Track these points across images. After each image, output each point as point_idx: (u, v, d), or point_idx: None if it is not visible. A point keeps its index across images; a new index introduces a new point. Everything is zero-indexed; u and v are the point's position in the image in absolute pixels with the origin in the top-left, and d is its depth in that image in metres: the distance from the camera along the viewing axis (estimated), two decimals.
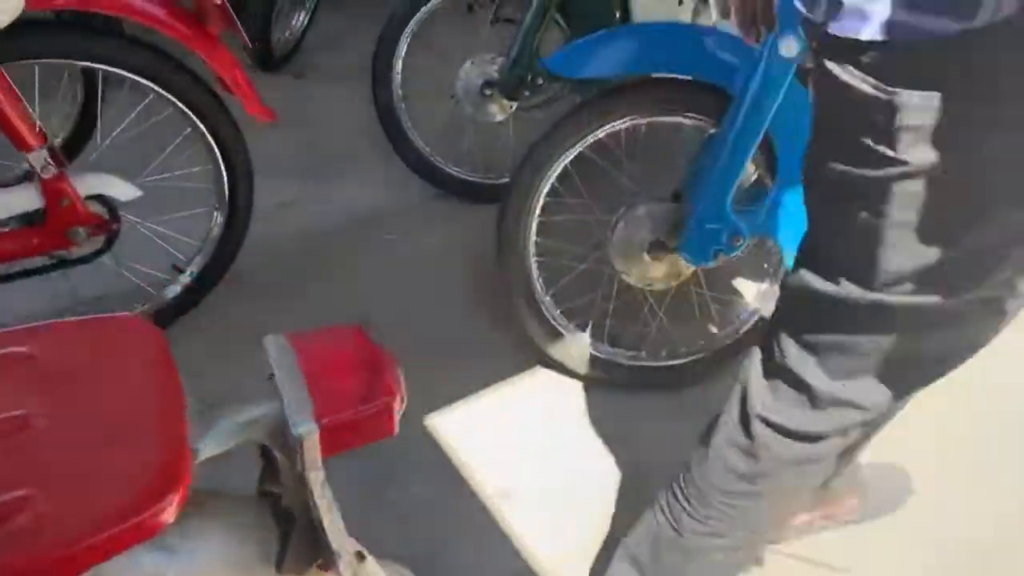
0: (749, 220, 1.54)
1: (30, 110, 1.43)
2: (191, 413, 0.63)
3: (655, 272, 1.64)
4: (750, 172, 1.57)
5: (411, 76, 2.18)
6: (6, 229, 1.46)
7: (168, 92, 1.54)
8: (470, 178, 2.26)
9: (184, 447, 0.60)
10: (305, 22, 2.93)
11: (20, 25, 1.30)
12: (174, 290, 1.76)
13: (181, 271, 1.77)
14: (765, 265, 1.69)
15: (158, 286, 1.76)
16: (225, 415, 0.65)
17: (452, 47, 2.20)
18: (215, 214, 1.75)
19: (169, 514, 0.56)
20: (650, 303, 1.72)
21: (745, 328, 1.69)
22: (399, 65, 2.15)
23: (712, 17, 1.76)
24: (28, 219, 1.47)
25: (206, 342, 1.73)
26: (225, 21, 1.50)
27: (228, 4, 1.47)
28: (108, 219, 1.56)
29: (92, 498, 0.56)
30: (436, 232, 2.16)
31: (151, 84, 1.53)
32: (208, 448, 0.63)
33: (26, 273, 1.54)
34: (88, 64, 1.45)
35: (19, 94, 1.41)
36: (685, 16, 1.87)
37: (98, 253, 1.59)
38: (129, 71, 1.50)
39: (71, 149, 1.76)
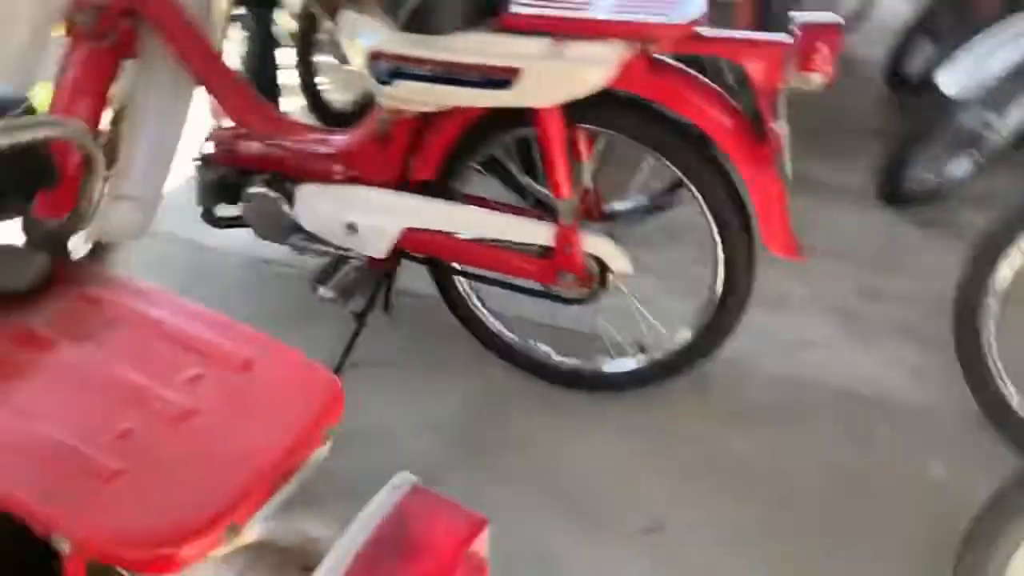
0: None
1: (581, 167, 1.62)
2: (284, 491, 0.65)
3: None
4: None
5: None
6: (523, 250, 1.70)
7: (703, 198, 1.56)
8: None
9: (234, 512, 0.63)
10: (968, 173, 2.51)
11: (600, 96, 1.47)
12: (624, 364, 1.81)
13: (643, 351, 1.80)
14: None
15: (615, 351, 1.82)
16: (281, 517, 0.65)
17: None
18: (694, 322, 1.71)
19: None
20: None
21: None
22: (999, 283, 1.65)
23: None
24: (539, 250, 1.68)
25: (601, 431, 1.75)
26: (779, 148, 1.42)
27: (783, 134, 1.38)
28: (596, 279, 1.67)
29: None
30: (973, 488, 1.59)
31: (691, 185, 1.56)
32: (252, 531, 0.64)
33: (523, 289, 1.78)
34: (642, 147, 1.55)
35: (576, 151, 1.61)
36: None
37: (577, 301, 1.72)
38: (677, 166, 1.55)
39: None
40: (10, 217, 0.90)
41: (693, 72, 1.50)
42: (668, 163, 1.56)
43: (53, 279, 0.85)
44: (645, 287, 1.80)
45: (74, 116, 1.71)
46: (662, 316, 1.79)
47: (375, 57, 1.50)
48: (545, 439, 1.73)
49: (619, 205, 1.93)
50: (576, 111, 1.52)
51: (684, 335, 1.74)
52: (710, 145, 1.54)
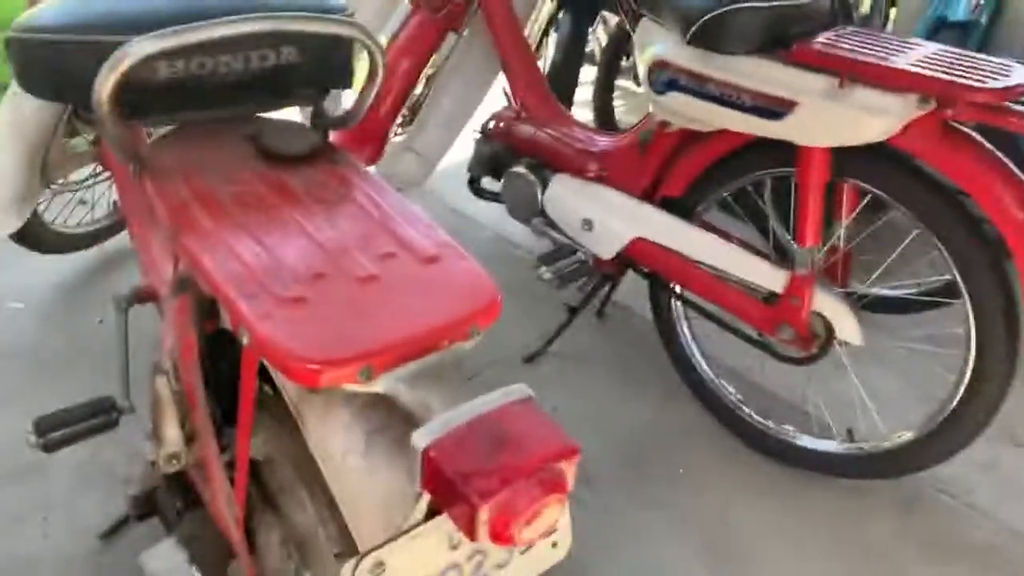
0: None
1: (837, 223, 1.52)
2: (420, 363, 0.73)
3: None
4: None
5: None
6: (748, 291, 1.63)
7: (971, 299, 1.39)
8: None
9: (373, 358, 0.71)
10: None
11: (880, 153, 1.38)
12: (824, 445, 1.65)
13: (851, 439, 1.63)
14: None
15: (821, 430, 1.68)
16: (412, 385, 0.72)
17: None
18: (919, 426, 1.52)
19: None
20: None
21: None
22: None
23: None
24: (765, 295, 1.61)
25: (773, 504, 1.60)
26: None
27: None
28: (818, 342, 1.56)
29: None
30: None
31: (961, 281, 1.39)
32: (382, 384, 0.72)
33: (736, 331, 1.70)
34: (915, 223, 1.41)
35: (836, 204, 1.51)
36: None
37: (791, 360, 1.61)
38: (950, 252, 1.39)
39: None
40: (306, 104, 1.09)
41: (994, 150, 1.33)
42: (940, 246, 1.40)
43: (319, 155, 1.01)
44: (872, 372, 1.64)
45: (397, 70, 2.00)
46: (884, 408, 1.62)
47: (658, 66, 1.55)
48: (710, 487, 1.64)
49: (871, 287, 1.77)
50: (846, 161, 1.44)
51: (903, 436, 1.55)
52: (1001, 243, 1.35)
